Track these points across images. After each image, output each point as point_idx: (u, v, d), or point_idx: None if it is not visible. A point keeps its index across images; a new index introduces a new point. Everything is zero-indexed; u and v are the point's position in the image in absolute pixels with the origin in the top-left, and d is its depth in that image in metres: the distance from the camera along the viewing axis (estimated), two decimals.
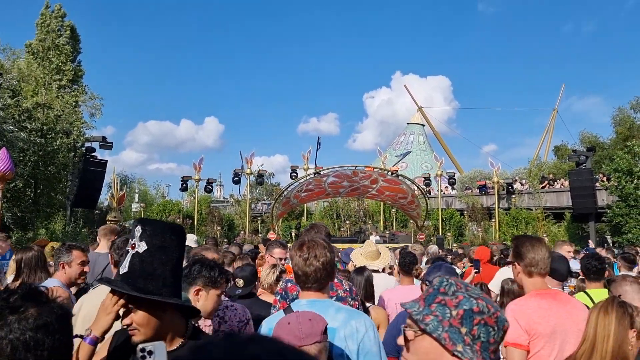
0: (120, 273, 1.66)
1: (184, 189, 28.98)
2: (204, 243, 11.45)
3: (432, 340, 1.26)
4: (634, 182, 23.71)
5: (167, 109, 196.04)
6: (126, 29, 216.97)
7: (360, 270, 4.81)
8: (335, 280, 3.59)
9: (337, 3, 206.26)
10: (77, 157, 22.34)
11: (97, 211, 25.05)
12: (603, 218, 25.85)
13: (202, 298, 2.65)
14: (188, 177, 28.48)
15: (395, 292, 4.91)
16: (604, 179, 27.06)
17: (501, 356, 2.96)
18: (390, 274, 6.84)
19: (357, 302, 3.68)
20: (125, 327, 1.67)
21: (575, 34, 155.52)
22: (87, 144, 22.45)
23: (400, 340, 1.35)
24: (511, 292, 4.48)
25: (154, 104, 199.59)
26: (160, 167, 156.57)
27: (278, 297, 3.44)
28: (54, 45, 25.34)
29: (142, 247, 1.66)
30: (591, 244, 12.83)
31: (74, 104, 22.65)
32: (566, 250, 5.73)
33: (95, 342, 1.76)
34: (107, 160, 22.77)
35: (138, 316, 1.63)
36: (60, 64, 25.58)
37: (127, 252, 1.69)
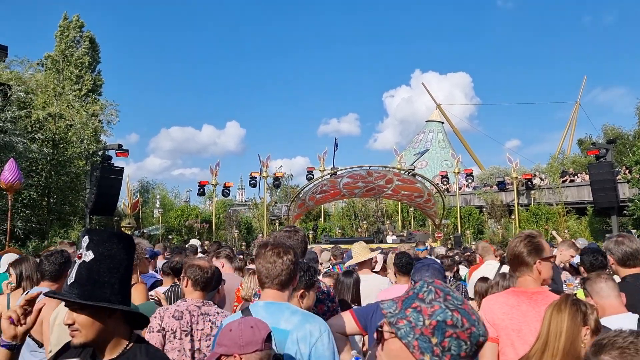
0: (68, 283, 1.69)
1: (201, 193, 29.25)
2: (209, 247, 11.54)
3: (402, 345, 1.25)
4: None
5: (189, 115, 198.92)
6: (147, 37, 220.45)
7: (348, 273, 4.82)
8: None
9: (354, 3, 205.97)
10: (90, 165, 22.74)
11: (115, 218, 25.48)
12: (625, 212, 25.23)
13: (305, 299, 2.82)
14: (205, 182, 28.72)
15: (391, 291, 4.89)
16: (626, 171, 26.42)
17: None
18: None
19: (335, 304, 3.68)
20: (67, 326, 1.70)
21: (596, 26, 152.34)
22: (104, 152, 22.89)
23: (375, 335, 1.35)
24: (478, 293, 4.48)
25: (176, 110, 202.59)
26: (183, 172, 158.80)
27: (257, 298, 3.47)
28: (63, 57, 25.85)
29: (88, 256, 1.69)
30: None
31: (86, 113, 23.02)
32: (569, 254, 5.54)
33: (11, 346, 1.79)
34: (123, 168, 23.17)
35: (82, 318, 1.67)
36: (70, 74, 26.06)
37: (74, 262, 1.72)
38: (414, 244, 8.88)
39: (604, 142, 27.97)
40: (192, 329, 3.08)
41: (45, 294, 1.87)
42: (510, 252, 2.88)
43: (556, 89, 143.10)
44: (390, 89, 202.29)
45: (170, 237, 27.75)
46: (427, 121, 65.43)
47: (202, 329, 3.12)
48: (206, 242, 22.31)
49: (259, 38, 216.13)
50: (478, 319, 1.26)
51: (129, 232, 15.34)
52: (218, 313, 3.26)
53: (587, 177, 27.46)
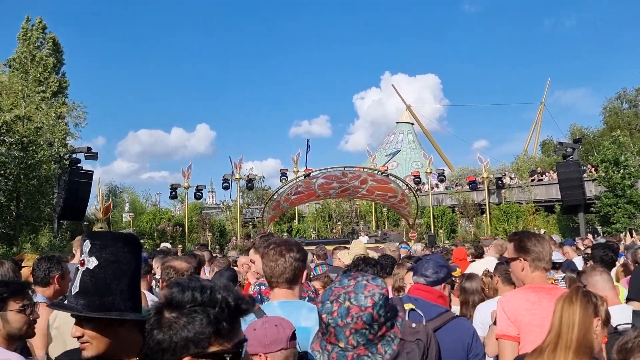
0: (73, 293, 1.58)
1: (173, 196, 28.89)
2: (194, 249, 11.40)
3: None
4: (621, 172, 23.91)
5: (158, 118, 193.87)
6: (114, 38, 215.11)
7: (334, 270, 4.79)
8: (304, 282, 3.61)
9: (323, 5, 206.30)
10: (61, 168, 22.14)
11: (85, 223, 24.89)
12: (592, 209, 26.00)
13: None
14: (177, 185, 28.39)
15: None
16: (592, 170, 27.23)
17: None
18: None
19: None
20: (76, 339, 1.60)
21: (558, 28, 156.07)
22: (73, 155, 22.35)
23: None
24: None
25: (144, 113, 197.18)
26: (152, 175, 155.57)
27: None
28: (31, 57, 25.12)
29: (92, 262, 1.58)
30: (577, 241, 12.77)
31: (55, 115, 22.43)
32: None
33: None
34: (92, 171, 22.68)
35: (91, 330, 1.56)
36: (38, 75, 25.35)
37: (77, 269, 1.61)
38: (396, 244, 9.00)
39: (570, 142, 28.76)
40: None
41: (50, 306, 1.77)
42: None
43: (522, 91, 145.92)
44: (361, 91, 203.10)
45: (142, 241, 27.23)
46: (397, 122, 66.09)
47: None
48: (179, 247, 22.02)
49: (228, 40, 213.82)
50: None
51: None
52: None
53: (555, 176, 28.18)
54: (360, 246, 5.88)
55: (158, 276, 5.89)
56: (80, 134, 30.62)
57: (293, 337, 1.90)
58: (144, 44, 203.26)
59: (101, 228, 15.03)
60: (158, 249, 10.77)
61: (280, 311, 2.33)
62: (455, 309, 4.23)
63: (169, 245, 9.32)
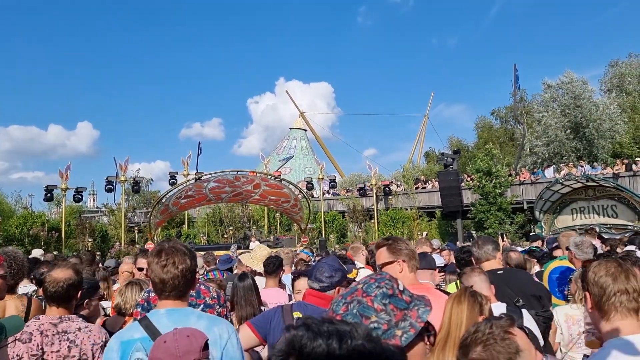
0: None
1: (48, 199, 26.62)
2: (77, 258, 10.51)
3: None
4: (493, 181, 26.24)
5: (33, 113, 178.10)
6: None
7: (243, 276, 4.67)
8: (202, 287, 3.46)
9: (218, 7, 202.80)
10: None
11: None
12: (468, 215, 28.19)
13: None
14: (53, 186, 26.22)
15: (266, 293, 4.87)
16: (469, 179, 29.54)
17: None
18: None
19: (225, 309, 3.57)
20: None
21: (441, 47, 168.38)
22: None
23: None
24: None
25: (16, 107, 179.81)
26: (24, 176, 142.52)
27: (139, 309, 3.21)
28: None
29: None
30: (459, 243, 13.82)
31: None
32: (425, 250, 6.11)
33: None
34: None
35: None
36: None
37: None
38: (293, 248, 9.08)
39: (450, 153, 30.95)
40: (43, 352, 2.69)
41: None
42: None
43: (409, 102, 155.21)
44: (255, 95, 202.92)
45: (10, 248, 24.61)
46: (291, 128, 66.74)
47: (58, 351, 2.72)
48: (54, 252, 20.27)
49: (114, 33, 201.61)
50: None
51: None
52: (80, 329, 2.83)
53: (437, 184, 30.16)
54: (266, 251, 5.78)
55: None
56: None
57: (206, 347, 1.85)
58: (15, 28, 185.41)
59: None
60: (30, 257, 9.81)
61: (167, 320, 2.24)
62: None
63: (40, 252, 8.51)
